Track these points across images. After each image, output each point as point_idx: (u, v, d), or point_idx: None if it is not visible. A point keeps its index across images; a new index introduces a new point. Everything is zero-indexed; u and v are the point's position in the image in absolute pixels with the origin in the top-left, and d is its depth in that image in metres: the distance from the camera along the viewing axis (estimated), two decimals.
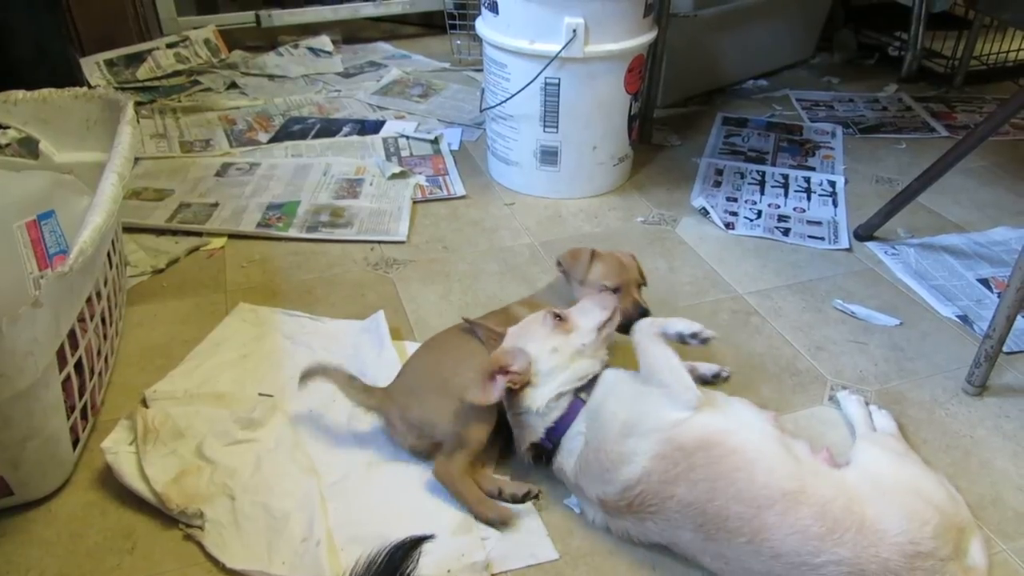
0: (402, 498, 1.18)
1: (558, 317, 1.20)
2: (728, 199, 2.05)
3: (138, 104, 2.44)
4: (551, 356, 1.17)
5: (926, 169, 1.78)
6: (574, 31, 1.79)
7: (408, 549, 1.05)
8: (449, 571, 1.07)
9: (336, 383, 1.25)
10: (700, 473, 1.02)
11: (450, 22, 2.93)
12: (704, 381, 1.42)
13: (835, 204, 2.04)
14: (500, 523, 1.14)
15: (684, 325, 1.20)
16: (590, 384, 1.17)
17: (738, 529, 0.99)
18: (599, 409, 1.13)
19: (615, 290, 1.35)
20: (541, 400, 1.15)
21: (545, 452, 1.17)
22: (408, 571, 1.04)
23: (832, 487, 1.01)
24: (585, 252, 1.39)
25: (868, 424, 1.31)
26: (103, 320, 1.34)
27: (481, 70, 2.12)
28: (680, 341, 1.19)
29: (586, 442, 1.12)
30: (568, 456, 1.14)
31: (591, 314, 1.22)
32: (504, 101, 1.96)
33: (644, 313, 1.34)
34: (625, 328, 1.26)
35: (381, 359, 1.43)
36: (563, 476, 1.16)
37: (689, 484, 1.02)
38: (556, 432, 1.14)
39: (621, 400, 1.12)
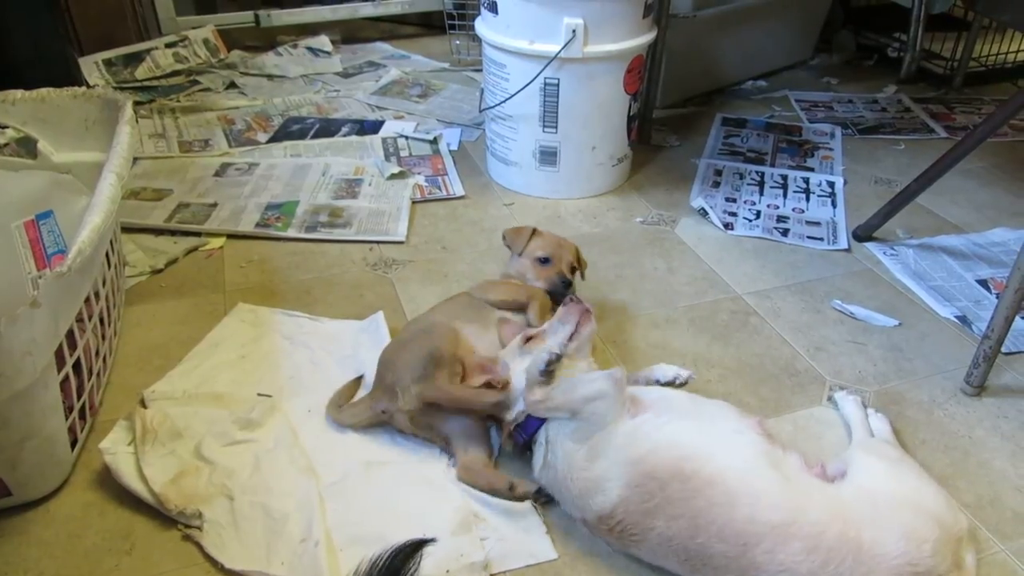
0: (401, 498, 1.18)
1: (530, 339, 1.26)
2: (727, 200, 2.05)
3: (137, 104, 2.44)
4: (519, 376, 1.21)
5: (925, 170, 1.78)
6: (573, 31, 1.79)
7: (410, 552, 1.06)
8: (448, 571, 1.07)
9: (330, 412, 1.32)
10: (678, 508, 0.98)
11: (449, 22, 2.93)
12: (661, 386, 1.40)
13: (834, 205, 2.04)
14: (541, 495, 1.15)
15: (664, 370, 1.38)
16: None
17: (725, 567, 0.95)
18: (557, 430, 1.12)
19: (546, 260, 1.46)
20: (510, 415, 1.20)
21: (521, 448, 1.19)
22: (409, 574, 1.04)
23: (826, 511, 0.96)
24: (527, 229, 1.52)
25: (865, 426, 1.30)
26: (101, 320, 1.33)
27: (480, 70, 2.12)
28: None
29: (548, 460, 1.11)
30: (535, 462, 1.14)
31: (559, 332, 1.25)
32: (503, 101, 1.96)
33: (567, 284, 1.45)
34: (553, 299, 1.43)
35: None
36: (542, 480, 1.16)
37: (668, 519, 0.98)
38: (526, 431, 1.16)
39: (576, 428, 1.10)
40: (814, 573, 0.92)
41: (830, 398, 1.40)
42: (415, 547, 1.07)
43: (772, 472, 1.00)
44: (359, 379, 1.38)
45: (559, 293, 1.43)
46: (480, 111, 2.13)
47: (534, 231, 1.51)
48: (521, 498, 1.15)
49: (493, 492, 1.17)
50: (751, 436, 1.06)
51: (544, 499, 1.16)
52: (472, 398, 1.21)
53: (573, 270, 1.50)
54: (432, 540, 1.08)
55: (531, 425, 1.15)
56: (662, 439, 1.04)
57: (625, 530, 1.02)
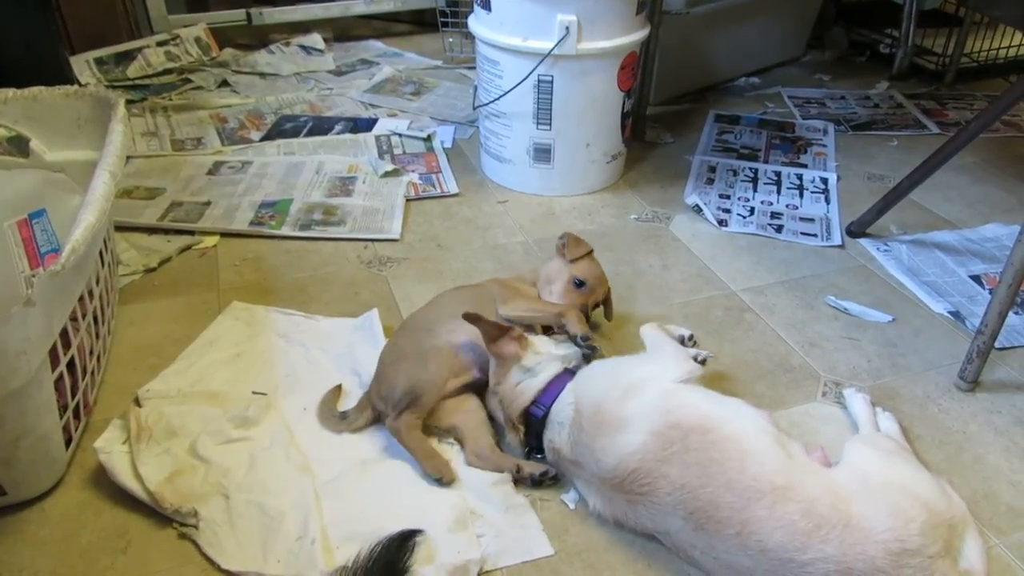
0: (397, 495, 1.18)
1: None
2: (721, 196, 2.06)
3: (129, 102, 2.43)
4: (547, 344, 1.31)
5: (918, 166, 1.79)
6: (567, 28, 1.79)
7: (400, 543, 1.06)
8: (444, 568, 1.06)
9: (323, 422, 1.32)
10: (693, 456, 1.04)
11: (442, 20, 2.93)
12: None
13: (827, 201, 2.05)
14: (444, 481, 1.19)
15: (684, 329, 1.44)
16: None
17: (727, 520, 1.00)
18: (588, 380, 1.19)
19: (582, 284, 1.46)
20: (534, 387, 1.22)
21: (536, 429, 1.20)
22: (404, 561, 1.04)
23: (820, 485, 1.01)
24: (588, 246, 1.51)
25: (872, 423, 1.31)
26: (95, 319, 1.33)
27: (474, 67, 2.12)
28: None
29: (577, 410, 1.15)
30: (559, 429, 1.16)
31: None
32: (497, 98, 1.95)
33: (586, 318, 1.48)
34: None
35: (375, 357, 1.42)
36: (557, 456, 1.17)
37: (682, 466, 1.03)
38: (547, 397, 1.19)
39: (617, 368, 1.20)
40: (808, 533, 0.96)
41: (825, 394, 1.41)
42: (404, 538, 1.07)
43: (778, 447, 1.06)
44: (339, 387, 1.38)
45: None
46: (474, 108, 2.13)
47: (592, 252, 1.52)
48: (528, 478, 1.18)
49: (410, 452, 1.22)
50: (763, 421, 1.12)
51: (550, 481, 1.19)
52: (418, 456, 1.22)
53: (595, 306, 1.52)
54: (420, 532, 1.09)
55: (556, 387, 1.20)
56: (691, 400, 1.12)
57: (636, 480, 1.06)
